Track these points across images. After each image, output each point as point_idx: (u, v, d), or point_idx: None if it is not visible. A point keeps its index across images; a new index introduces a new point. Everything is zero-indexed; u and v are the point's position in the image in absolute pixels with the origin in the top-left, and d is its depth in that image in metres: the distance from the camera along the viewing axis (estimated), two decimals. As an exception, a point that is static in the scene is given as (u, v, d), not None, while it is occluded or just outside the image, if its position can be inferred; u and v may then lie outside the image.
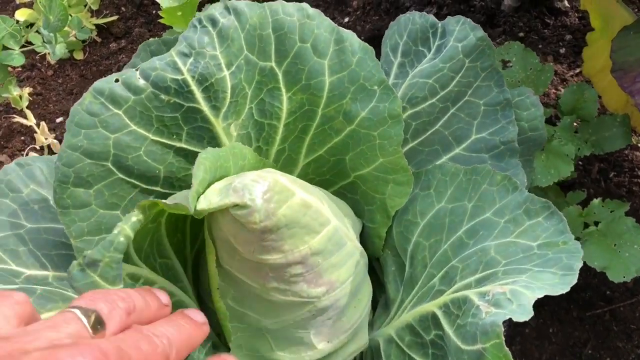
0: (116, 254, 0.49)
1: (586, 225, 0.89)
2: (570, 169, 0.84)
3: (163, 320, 0.46)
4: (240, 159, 0.64)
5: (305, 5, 0.68)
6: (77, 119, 0.63)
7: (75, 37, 1.18)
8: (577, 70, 1.17)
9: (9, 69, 1.15)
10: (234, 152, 0.64)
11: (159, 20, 0.96)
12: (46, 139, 1.09)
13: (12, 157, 1.15)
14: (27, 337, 0.36)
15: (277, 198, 0.55)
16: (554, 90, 1.13)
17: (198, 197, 0.55)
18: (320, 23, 0.68)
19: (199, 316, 0.49)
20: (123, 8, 1.31)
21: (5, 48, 1.01)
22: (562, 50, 1.20)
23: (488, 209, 0.67)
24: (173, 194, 0.69)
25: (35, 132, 1.09)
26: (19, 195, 0.72)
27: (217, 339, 0.69)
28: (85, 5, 1.09)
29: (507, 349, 0.48)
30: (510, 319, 0.50)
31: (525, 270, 0.56)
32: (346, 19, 1.27)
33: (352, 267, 0.66)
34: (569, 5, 1.24)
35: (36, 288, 0.62)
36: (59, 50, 1.07)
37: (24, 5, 1.27)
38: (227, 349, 0.67)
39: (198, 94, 0.65)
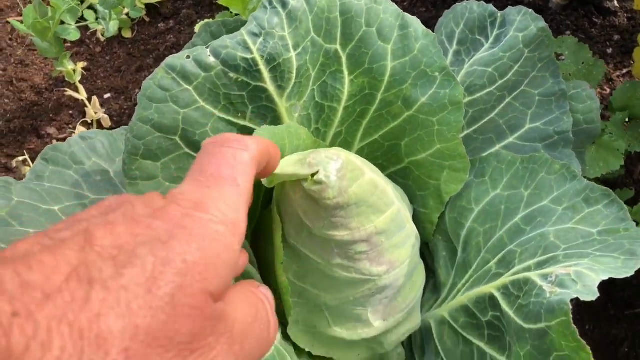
0: None
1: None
2: (620, 162, 0.85)
3: None
4: (296, 138, 0.66)
5: (372, -11, 0.69)
6: (149, 92, 0.64)
7: (127, 16, 1.20)
8: (624, 71, 1.17)
9: (61, 44, 1.16)
10: (289, 131, 0.65)
11: (215, 1, 0.98)
12: (96, 113, 1.11)
13: (59, 129, 1.18)
14: None
15: (350, 176, 0.57)
16: (599, 90, 1.14)
17: None
18: (387, 8, 0.70)
19: None
20: (172, -13, 1.33)
21: (61, 22, 1.03)
22: (610, 51, 1.20)
23: (545, 197, 0.68)
24: (234, 170, 0.70)
25: (86, 107, 1.11)
26: (82, 167, 0.74)
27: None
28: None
29: (574, 326, 0.49)
30: (575, 300, 0.51)
31: (587, 254, 0.57)
32: (392, 9, 1.28)
33: (410, 249, 0.67)
34: (618, 6, 1.24)
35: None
36: (112, 27, 1.09)
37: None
38: (282, 325, 0.69)
39: (265, 74, 0.67)
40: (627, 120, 0.95)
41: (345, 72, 0.71)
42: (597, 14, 1.25)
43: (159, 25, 1.28)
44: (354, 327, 0.66)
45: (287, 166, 0.57)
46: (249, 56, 0.65)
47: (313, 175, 0.56)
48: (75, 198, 0.70)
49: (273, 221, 0.62)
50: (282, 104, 0.69)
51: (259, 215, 0.71)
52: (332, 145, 0.76)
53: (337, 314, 0.66)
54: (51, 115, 1.19)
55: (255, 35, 0.66)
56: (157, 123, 0.65)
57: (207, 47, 0.65)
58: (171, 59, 0.65)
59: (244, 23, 0.79)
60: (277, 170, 0.56)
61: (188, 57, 0.65)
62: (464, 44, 0.82)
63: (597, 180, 0.87)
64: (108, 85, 1.22)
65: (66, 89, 1.14)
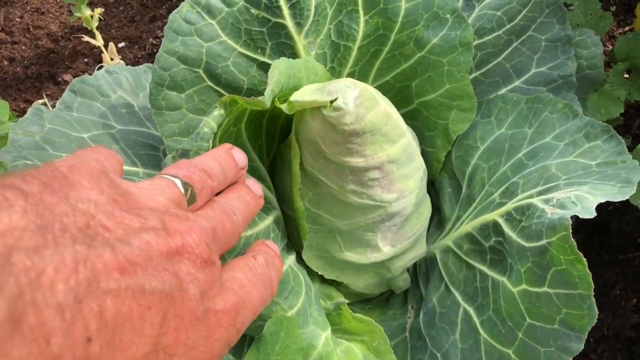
0: (203, 143, 0.55)
1: (631, 169, 0.94)
2: (620, 110, 0.89)
3: (234, 192, 0.51)
4: (313, 73, 0.69)
5: None
6: (174, 25, 0.68)
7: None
8: (627, 28, 1.19)
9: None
10: (306, 66, 0.68)
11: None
12: (112, 59, 1.14)
13: (75, 76, 1.21)
14: (137, 211, 0.37)
15: (366, 104, 0.61)
16: (603, 47, 1.17)
17: (274, 97, 0.60)
18: (402, -51, 0.72)
19: (257, 187, 0.54)
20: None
21: (79, -31, 1.05)
22: (613, 8, 1.22)
23: (548, 134, 0.72)
24: (253, 105, 0.74)
25: (102, 53, 1.14)
26: (108, 99, 0.78)
27: (287, 240, 0.75)
28: None
29: (572, 240, 0.53)
30: (574, 218, 0.55)
31: (586, 182, 0.61)
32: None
33: (418, 180, 0.71)
34: (622, -37, 1.26)
35: (134, 179, 0.68)
36: (128, -26, 1.11)
37: None
38: (295, 252, 0.73)
39: (285, 10, 0.70)
40: (628, 71, 0.99)
41: (361, 12, 0.74)
42: (603, -29, 1.28)
43: (173, -25, 1.31)
44: (364, 252, 0.71)
45: (307, 94, 0.61)
46: (270, -8, 0.68)
47: (332, 102, 0.59)
48: (103, 127, 0.74)
49: (292, 148, 0.65)
50: (300, 41, 0.72)
51: (275, 149, 0.75)
52: (345, 85, 0.79)
53: (349, 239, 0.71)
54: (67, 63, 1.22)
55: (276, -29, 0.68)
56: (182, 55, 0.68)
57: (230, -17, 0.68)
58: (196, -7, 0.68)
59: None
60: (298, 97, 0.60)
61: (216, -8, 0.68)
62: (475, -11, 0.84)
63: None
64: (122, 34, 1.25)
65: (82, 35, 1.17)
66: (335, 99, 0.59)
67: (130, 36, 1.24)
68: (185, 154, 0.55)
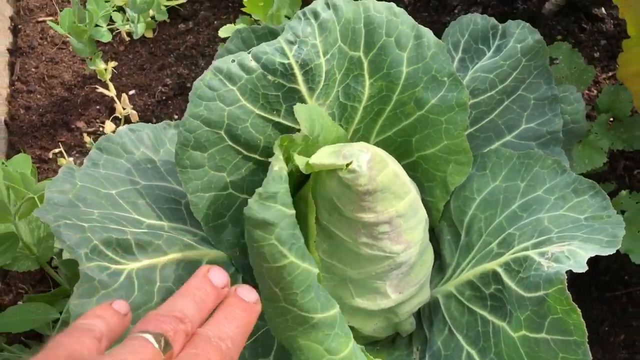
0: (285, 184, 0.62)
1: (614, 214, 1.01)
2: (603, 160, 0.96)
3: (220, 313, 0.51)
4: (321, 117, 0.75)
5: (392, 4, 0.80)
6: (199, 92, 0.74)
7: (152, 18, 1.29)
8: (610, 74, 1.27)
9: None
10: (317, 111, 0.75)
11: (242, 9, 1.08)
12: (124, 109, 1.20)
13: (88, 123, 1.26)
14: None
15: (377, 167, 0.67)
16: (587, 92, 1.24)
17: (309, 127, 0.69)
18: (404, 20, 0.80)
19: (251, 294, 0.55)
20: (190, -9, 1.42)
21: (95, 25, 1.12)
22: (597, 55, 1.30)
23: (539, 188, 0.78)
24: (268, 161, 0.79)
25: (114, 103, 1.20)
26: (132, 156, 0.83)
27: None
28: (157, -13, 1.20)
29: (568, 292, 0.60)
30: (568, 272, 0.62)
31: (576, 236, 0.68)
32: (397, 15, 1.38)
33: (422, 231, 0.77)
34: (605, 13, 1.35)
35: (161, 234, 0.73)
36: (140, 29, 1.18)
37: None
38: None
39: (299, 77, 0.76)
40: (611, 119, 1.07)
41: (366, 76, 0.81)
42: (586, 20, 1.36)
43: (179, 26, 1.37)
44: (374, 299, 0.77)
45: (324, 157, 0.67)
46: (285, 61, 0.75)
47: (347, 165, 0.66)
48: (130, 183, 0.79)
49: (308, 205, 0.72)
50: (311, 103, 0.79)
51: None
52: (351, 140, 0.86)
53: (360, 287, 0.76)
54: (80, 110, 1.27)
55: (291, 42, 0.75)
56: (206, 118, 0.74)
57: (248, 53, 0.75)
58: (219, 63, 0.74)
59: (270, 29, 0.90)
60: (316, 160, 0.66)
61: (233, 61, 0.74)
62: (469, 52, 0.92)
63: (583, 175, 0.98)
64: (132, 82, 1.31)
65: (96, 86, 1.23)
66: (350, 162, 0.66)
67: (140, 84, 1.30)
68: (273, 197, 0.62)
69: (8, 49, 1.36)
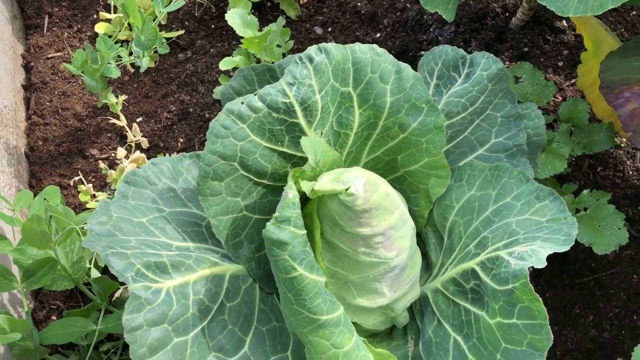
0: (298, 210, 0.75)
1: (577, 211, 1.16)
2: (564, 166, 1.10)
3: None
4: (321, 145, 0.89)
5: (375, 45, 0.93)
6: (215, 131, 0.86)
7: (155, 51, 1.41)
8: (573, 81, 1.41)
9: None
10: (318, 140, 0.89)
11: (240, 45, 1.20)
12: (135, 136, 1.32)
13: (101, 150, 1.38)
14: None
15: (371, 189, 0.81)
16: (553, 99, 1.38)
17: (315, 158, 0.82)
18: (386, 59, 0.93)
19: None
20: (186, 22, 1.54)
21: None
22: (560, 64, 1.44)
23: (508, 196, 0.92)
24: (275, 185, 0.93)
25: (125, 131, 1.32)
26: (155, 187, 0.96)
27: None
28: (154, 19, 1.30)
29: (530, 285, 0.74)
30: (531, 267, 0.75)
31: (538, 237, 0.82)
32: (378, 35, 1.51)
33: (410, 239, 0.91)
34: (566, 25, 1.49)
35: (190, 254, 0.86)
36: (145, 63, 1.30)
37: (103, 18, 1.50)
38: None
39: (299, 112, 0.89)
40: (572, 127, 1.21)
41: (356, 107, 0.94)
42: (550, 32, 1.49)
43: (179, 55, 1.49)
44: (373, 298, 0.90)
45: (326, 184, 0.80)
46: (287, 100, 0.88)
47: (346, 189, 0.79)
48: (157, 211, 0.92)
49: (313, 222, 0.85)
50: (310, 133, 0.92)
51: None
52: (345, 161, 0.99)
53: (360, 288, 0.90)
54: (93, 139, 1.39)
55: (291, 84, 0.88)
56: (222, 153, 0.87)
57: (255, 95, 0.87)
58: (230, 105, 0.87)
59: (269, 67, 1.03)
60: (319, 187, 0.80)
61: (242, 102, 0.87)
62: (442, 78, 1.06)
63: (551, 176, 1.11)
64: (138, 110, 1.43)
65: (108, 117, 1.35)
66: (349, 187, 0.79)
67: (146, 111, 1.42)
68: (287, 220, 0.76)
69: (22, 85, 1.47)
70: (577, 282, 1.26)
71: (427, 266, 1.02)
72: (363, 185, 0.80)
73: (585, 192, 1.15)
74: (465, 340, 0.85)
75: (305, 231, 0.77)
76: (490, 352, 0.80)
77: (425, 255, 1.02)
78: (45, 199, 1.04)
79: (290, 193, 0.76)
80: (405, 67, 0.94)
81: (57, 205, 1.07)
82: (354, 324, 0.94)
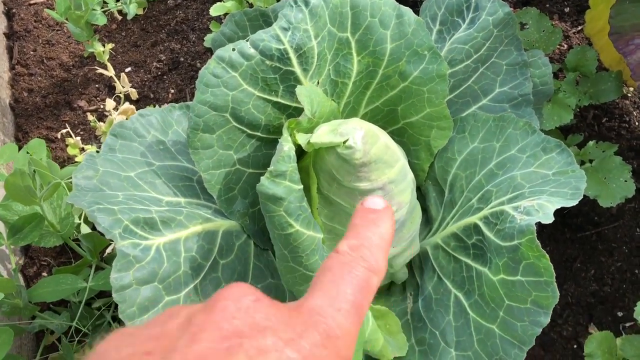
0: (294, 163, 0.71)
1: (582, 163, 1.12)
2: (570, 116, 1.06)
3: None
4: (318, 95, 0.84)
5: (374, -12, 0.87)
6: (205, 80, 0.81)
7: (144, -4, 1.34)
8: (579, 28, 1.35)
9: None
10: (314, 90, 0.84)
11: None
12: (124, 87, 1.27)
13: (89, 102, 1.33)
14: None
15: (370, 141, 0.76)
16: (558, 47, 1.33)
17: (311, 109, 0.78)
18: (386, 2, 0.87)
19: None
20: (177, -31, 1.47)
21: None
22: (567, 10, 1.38)
23: (513, 147, 0.88)
24: (269, 138, 0.88)
25: (113, 82, 1.27)
26: (144, 139, 0.91)
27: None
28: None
29: (537, 241, 0.70)
30: (538, 223, 0.72)
31: (545, 191, 0.78)
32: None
33: (410, 193, 0.87)
34: (574, -32, 1.43)
35: (181, 210, 0.82)
36: (132, 9, 1.23)
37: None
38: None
39: (294, 60, 0.84)
40: (579, 76, 1.16)
41: (354, 54, 0.89)
42: (557, -24, 1.44)
43: (168, 2, 1.43)
44: (371, 254, 0.87)
45: (323, 136, 0.76)
46: (281, 47, 0.82)
47: (344, 142, 0.75)
48: (145, 165, 0.88)
49: (309, 177, 0.81)
50: (306, 83, 0.87)
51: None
52: (342, 112, 0.94)
53: (358, 244, 0.86)
54: (80, 90, 1.34)
55: (285, 29, 0.83)
56: (212, 104, 0.82)
57: (247, 41, 0.82)
58: (220, 52, 0.82)
59: (261, 12, 0.97)
60: (316, 139, 0.75)
61: (233, 49, 0.82)
62: (445, 24, 1.00)
63: (556, 127, 1.07)
64: (127, 59, 1.37)
65: (95, 67, 1.29)
66: (347, 140, 0.75)
67: (135, 61, 1.36)
68: (282, 174, 0.72)
69: (4, 33, 1.40)
70: (579, 236, 1.23)
71: (427, 221, 0.98)
72: (362, 137, 0.75)
73: (590, 143, 1.11)
74: (466, 297, 0.82)
75: (301, 186, 0.73)
76: (493, 309, 0.78)
77: (425, 210, 0.99)
78: (28, 152, 0.99)
79: (286, 146, 0.72)
80: (407, 11, 0.88)
81: (42, 159, 1.03)
82: (352, 280, 0.91)
